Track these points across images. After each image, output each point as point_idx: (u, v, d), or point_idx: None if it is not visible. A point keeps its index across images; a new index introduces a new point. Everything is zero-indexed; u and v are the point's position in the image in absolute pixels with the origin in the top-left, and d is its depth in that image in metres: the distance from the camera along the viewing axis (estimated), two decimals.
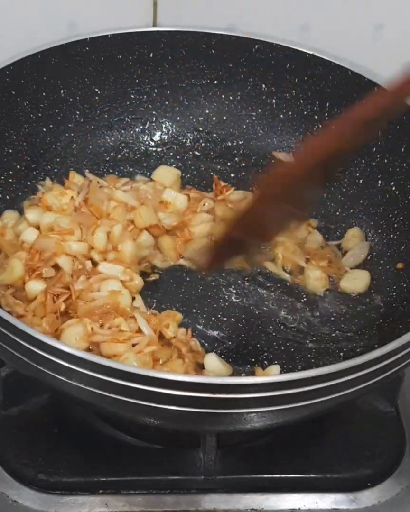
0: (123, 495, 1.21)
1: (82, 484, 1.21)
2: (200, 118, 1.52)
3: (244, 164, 1.51)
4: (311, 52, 1.43)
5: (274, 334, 1.29)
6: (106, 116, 1.48)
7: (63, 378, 1.03)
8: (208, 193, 1.46)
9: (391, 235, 1.37)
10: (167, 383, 0.98)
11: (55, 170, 1.44)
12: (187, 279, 1.35)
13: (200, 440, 1.20)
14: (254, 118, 1.51)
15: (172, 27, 1.46)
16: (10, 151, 1.38)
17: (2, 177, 1.36)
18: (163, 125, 1.52)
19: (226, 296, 1.33)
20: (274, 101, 1.49)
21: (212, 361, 1.22)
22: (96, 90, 1.47)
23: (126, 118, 1.50)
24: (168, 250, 1.37)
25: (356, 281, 1.36)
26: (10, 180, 1.37)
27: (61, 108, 1.44)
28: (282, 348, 1.28)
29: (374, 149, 1.39)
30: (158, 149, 1.52)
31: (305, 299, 1.35)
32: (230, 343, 1.27)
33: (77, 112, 1.46)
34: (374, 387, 1.08)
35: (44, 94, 1.41)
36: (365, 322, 1.31)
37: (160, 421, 1.09)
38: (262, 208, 1.12)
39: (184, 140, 1.53)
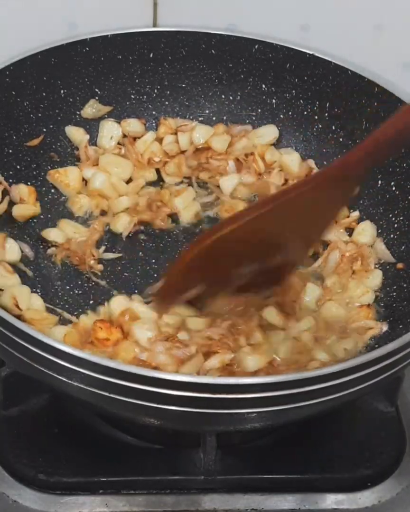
0: (123, 495, 1.21)
1: (82, 484, 1.22)
2: (200, 118, 1.51)
3: None
4: (311, 52, 1.43)
5: None
6: (106, 116, 1.48)
7: (63, 378, 1.03)
8: None
9: (391, 235, 1.37)
10: (167, 383, 0.98)
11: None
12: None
13: (200, 440, 1.20)
14: (254, 118, 1.51)
15: (172, 27, 1.46)
16: (10, 151, 1.38)
17: (2, 177, 1.36)
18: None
19: None
20: (274, 101, 1.49)
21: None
22: (96, 90, 1.47)
23: (126, 118, 1.50)
24: None
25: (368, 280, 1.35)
26: (10, 180, 1.37)
27: (61, 108, 1.44)
28: None
29: None
30: None
31: None
32: None
33: (77, 112, 1.46)
34: (374, 387, 1.08)
35: (44, 94, 1.41)
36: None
37: (160, 421, 1.09)
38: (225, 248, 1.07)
39: None
